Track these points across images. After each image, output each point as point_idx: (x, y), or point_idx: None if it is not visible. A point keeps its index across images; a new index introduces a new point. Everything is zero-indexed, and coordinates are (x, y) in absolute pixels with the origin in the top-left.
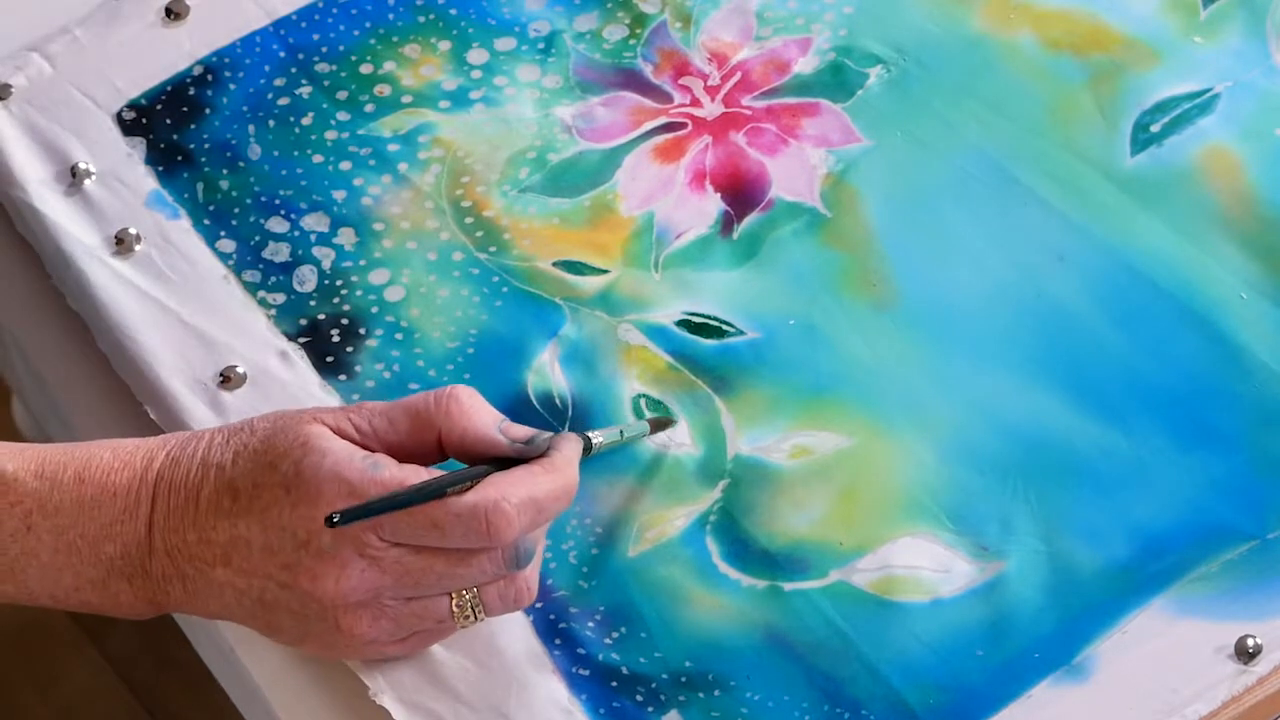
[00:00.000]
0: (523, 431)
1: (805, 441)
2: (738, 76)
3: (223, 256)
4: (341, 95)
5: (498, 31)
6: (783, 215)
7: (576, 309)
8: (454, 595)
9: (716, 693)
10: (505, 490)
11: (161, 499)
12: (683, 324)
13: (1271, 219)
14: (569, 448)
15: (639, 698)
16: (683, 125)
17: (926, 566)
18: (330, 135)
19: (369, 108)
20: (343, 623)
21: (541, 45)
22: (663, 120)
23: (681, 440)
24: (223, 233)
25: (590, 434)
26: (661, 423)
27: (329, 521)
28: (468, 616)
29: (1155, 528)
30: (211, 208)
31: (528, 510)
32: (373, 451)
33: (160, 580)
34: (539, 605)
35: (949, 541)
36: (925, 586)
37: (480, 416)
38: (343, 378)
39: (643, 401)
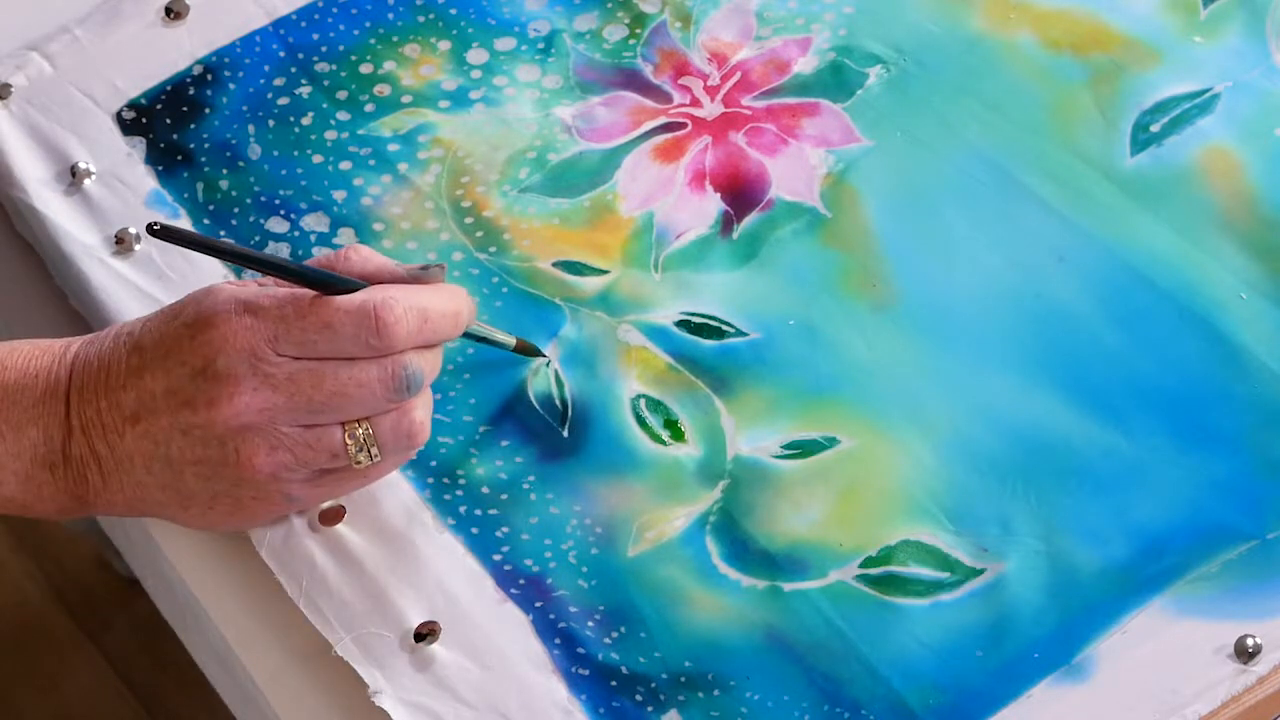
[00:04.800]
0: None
1: (804, 442)
2: (738, 76)
3: None
4: (341, 95)
5: (498, 31)
6: (783, 215)
7: (576, 309)
8: (346, 426)
9: (716, 693)
10: (393, 291)
11: (78, 374)
12: (682, 324)
13: (1271, 219)
14: (460, 287)
15: (638, 697)
16: (682, 125)
17: (926, 567)
18: (330, 135)
19: (369, 108)
20: (242, 453)
21: (541, 45)
22: (662, 120)
23: (677, 441)
24: (222, 232)
25: (477, 324)
26: (528, 349)
27: (150, 229)
28: (361, 450)
29: (1155, 528)
30: (211, 207)
31: (415, 315)
32: None
33: (79, 465)
34: (539, 605)
35: (949, 542)
36: (925, 587)
37: (379, 259)
38: None
39: (642, 402)
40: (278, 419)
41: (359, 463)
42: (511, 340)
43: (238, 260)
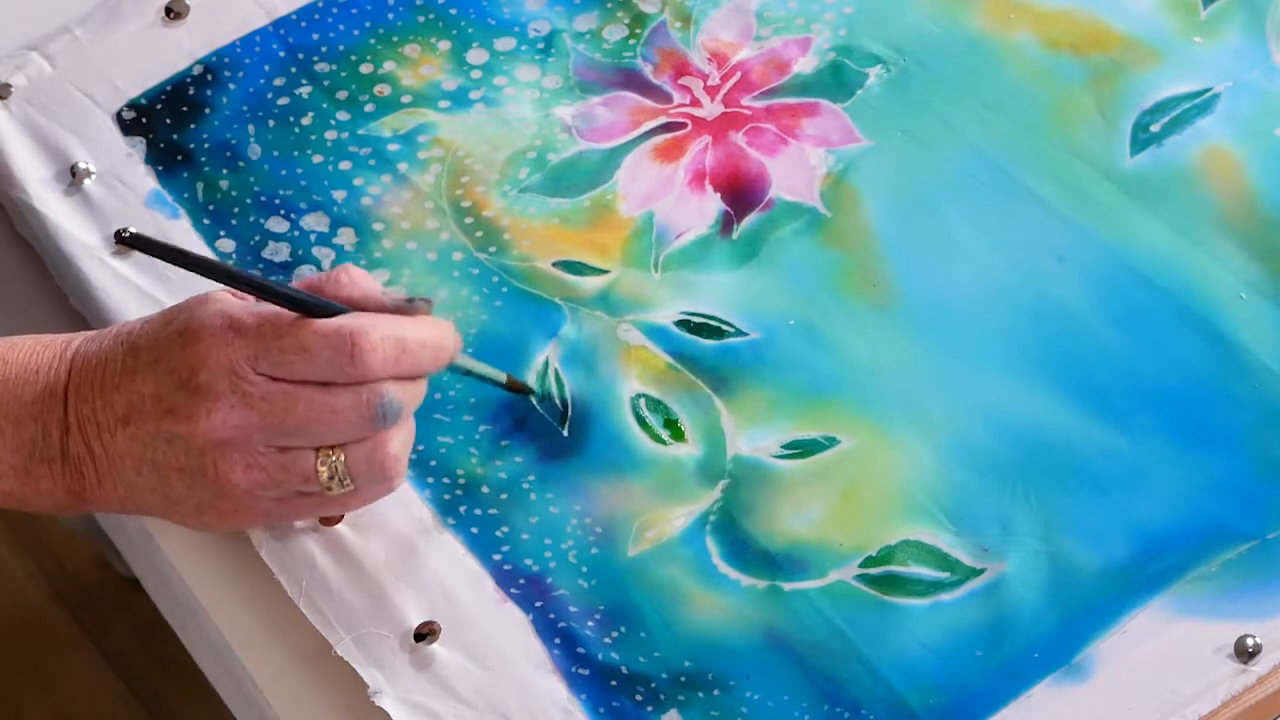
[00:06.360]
0: (404, 295)
1: (805, 442)
2: (737, 76)
3: (223, 256)
4: (341, 95)
5: (497, 31)
6: (783, 215)
7: (576, 309)
8: (319, 453)
9: (716, 692)
10: (372, 320)
11: (77, 371)
12: (682, 324)
13: (1271, 219)
14: (445, 320)
15: (638, 697)
16: (682, 125)
17: (926, 567)
18: (330, 135)
19: (369, 108)
20: (220, 467)
21: (541, 45)
22: (662, 120)
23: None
24: (222, 232)
25: (464, 356)
26: (519, 387)
27: (119, 236)
28: (334, 478)
29: (1155, 528)
30: (211, 207)
31: (392, 344)
32: None
33: (75, 462)
34: (539, 605)
35: (949, 542)
36: (925, 587)
37: (367, 285)
38: None
39: (642, 402)
40: (253, 438)
41: (331, 490)
42: (503, 377)
43: (216, 276)
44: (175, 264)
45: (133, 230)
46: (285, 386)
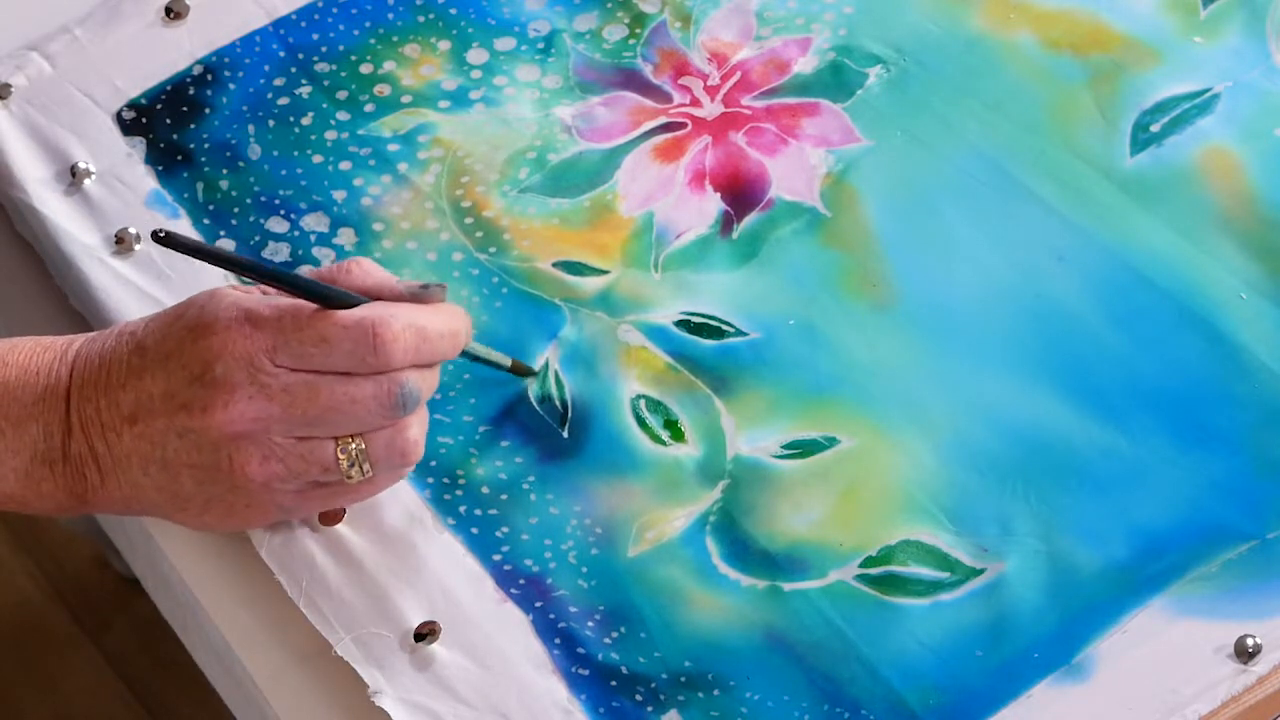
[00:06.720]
0: (418, 282)
1: (805, 442)
2: (737, 76)
3: None
4: (341, 95)
5: (497, 31)
6: (783, 215)
7: (576, 310)
8: (339, 441)
9: (716, 693)
10: (392, 309)
11: (79, 372)
12: (682, 324)
13: (1271, 219)
14: (459, 307)
15: (638, 697)
16: (682, 125)
17: (926, 567)
18: (330, 135)
19: (369, 108)
20: (235, 460)
21: (541, 45)
22: (662, 120)
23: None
24: (222, 232)
25: (474, 344)
26: (522, 369)
27: (155, 236)
28: (354, 465)
29: (1155, 528)
30: (211, 207)
31: (413, 334)
32: None
33: (78, 463)
34: (539, 605)
35: (949, 542)
36: (925, 587)
37: (380, 274)
38: None
39: (642, 402)
40: (272, 429)
41: (350, 478)
42: (507, 361)
43: (241, 270)
44: (209, 261)
45: (168, 230)
46: (306, 377)
